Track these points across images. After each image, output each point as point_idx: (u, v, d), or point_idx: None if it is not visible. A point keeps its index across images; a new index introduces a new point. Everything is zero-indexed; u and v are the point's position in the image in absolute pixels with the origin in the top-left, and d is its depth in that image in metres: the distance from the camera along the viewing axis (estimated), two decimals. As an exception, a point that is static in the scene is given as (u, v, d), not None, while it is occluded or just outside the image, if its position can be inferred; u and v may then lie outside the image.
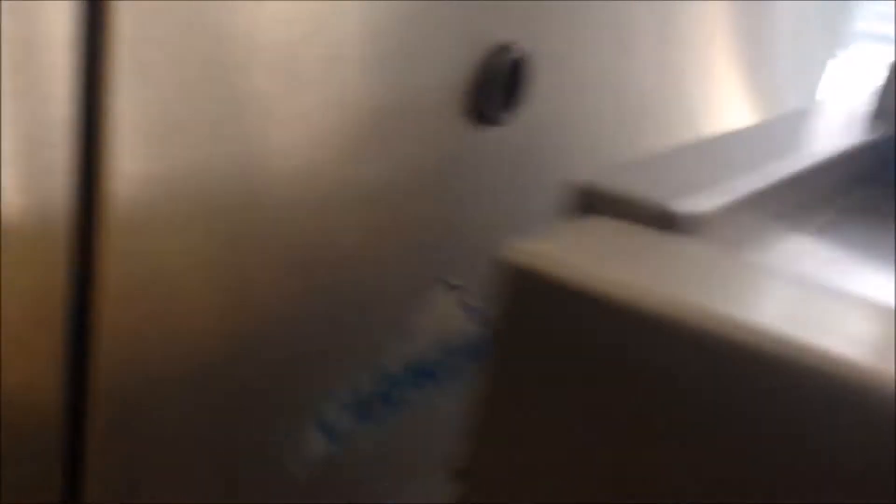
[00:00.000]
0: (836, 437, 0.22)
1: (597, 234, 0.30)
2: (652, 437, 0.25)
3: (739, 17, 0.72)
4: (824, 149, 0.44)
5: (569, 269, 0.26)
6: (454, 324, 0.55)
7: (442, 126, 0.47)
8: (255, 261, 0.40)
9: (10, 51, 0.28)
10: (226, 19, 0.34)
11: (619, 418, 0.25)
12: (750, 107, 0.79)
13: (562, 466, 0.27)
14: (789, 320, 0.24)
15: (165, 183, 0.34)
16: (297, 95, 0.38)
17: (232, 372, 0.41)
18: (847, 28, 0.92)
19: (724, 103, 0.75)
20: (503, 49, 0.47)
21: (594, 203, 0.31)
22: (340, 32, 0.39)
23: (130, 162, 0.33)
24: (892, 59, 0.50)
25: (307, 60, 0.38)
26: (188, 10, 0.32)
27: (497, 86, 0.48)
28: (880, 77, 0.50)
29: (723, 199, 0.33)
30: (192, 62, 0.33)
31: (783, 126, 0.49)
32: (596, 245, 0.29)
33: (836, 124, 0.50)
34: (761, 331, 0.23)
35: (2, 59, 0.28)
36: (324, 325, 0.45)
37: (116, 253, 0.34)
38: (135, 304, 0.35)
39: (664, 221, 0.30)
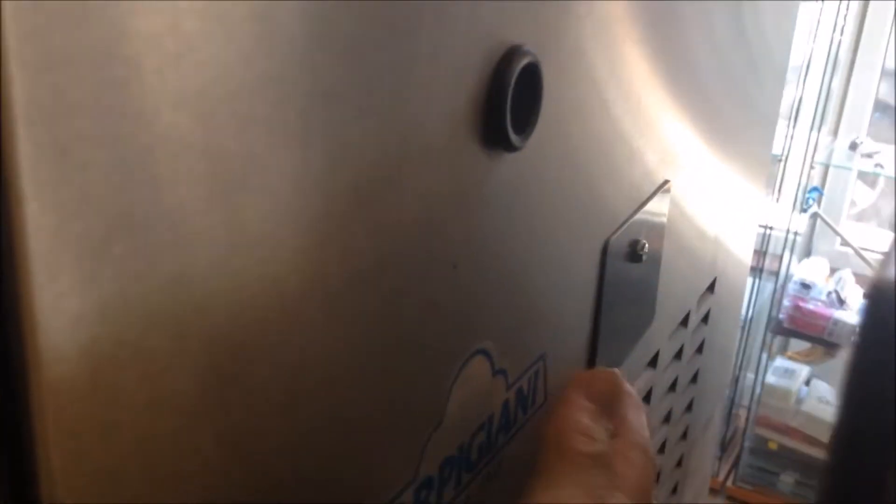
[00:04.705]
0: None
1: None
2: None
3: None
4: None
5: None
6: (485, 394, 0.45)
7: (454, 160, 0.37)
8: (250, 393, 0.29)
9: None
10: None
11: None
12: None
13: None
14: None
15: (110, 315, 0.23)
16: (269, 155, 0.28)
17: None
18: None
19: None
20: (514, 52, 0.38)
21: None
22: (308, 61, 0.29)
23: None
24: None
25: (271, 104, 0.28)
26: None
27: (512, 100, 0.38)
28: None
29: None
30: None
31: None
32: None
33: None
34: None
35: None
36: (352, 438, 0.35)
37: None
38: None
39: None
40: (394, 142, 0.33)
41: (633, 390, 0.52)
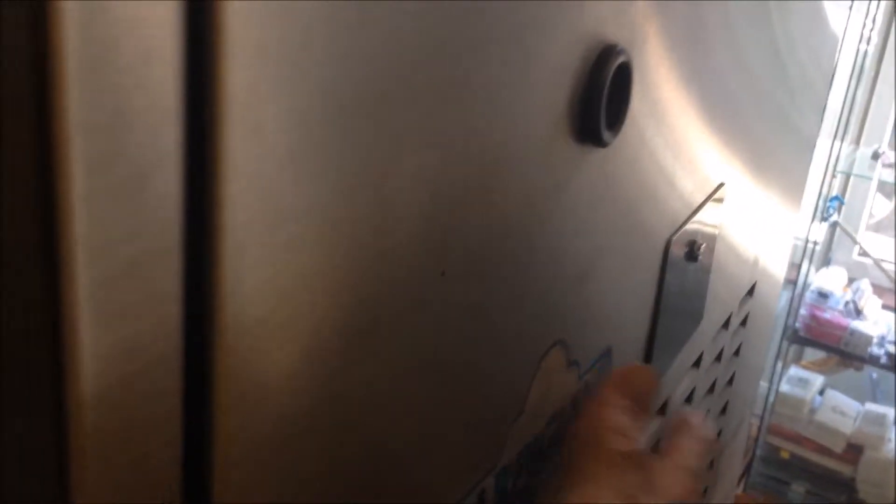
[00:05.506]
0: None
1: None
2: None
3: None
4: None
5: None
6: (559, 385, 0.46)
7: (551, 155, 0.38)
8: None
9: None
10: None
11: None
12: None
13: None
14: None
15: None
16: (395, 154, 0.28)
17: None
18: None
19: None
20: (609, 51, 0.39)
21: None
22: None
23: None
24: None
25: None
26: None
27: (606, 97, 0.39)
28: None
29: None
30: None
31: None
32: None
33: None
34: None
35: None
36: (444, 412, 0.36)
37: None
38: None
39: None
40: (498, 140, 0.34)
41: (699, 421, 0.49)
